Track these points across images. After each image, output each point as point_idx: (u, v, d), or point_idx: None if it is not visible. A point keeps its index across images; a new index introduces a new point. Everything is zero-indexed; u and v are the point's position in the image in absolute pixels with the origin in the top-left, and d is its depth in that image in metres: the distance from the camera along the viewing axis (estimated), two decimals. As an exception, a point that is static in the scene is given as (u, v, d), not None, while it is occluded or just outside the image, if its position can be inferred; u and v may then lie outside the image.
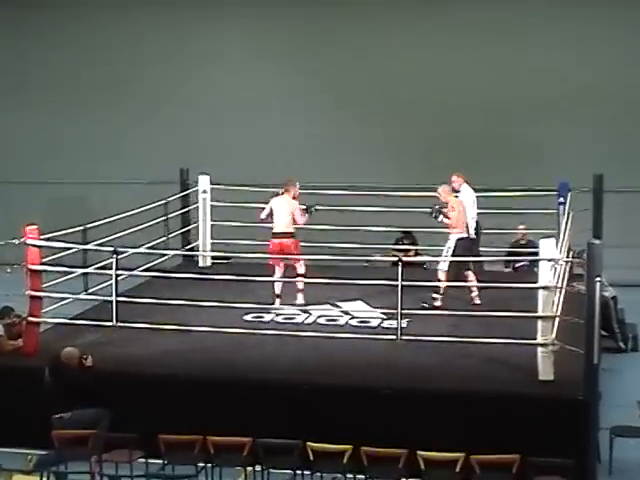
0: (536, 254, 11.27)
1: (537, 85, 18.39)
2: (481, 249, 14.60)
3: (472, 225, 13.97)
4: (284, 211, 13.60)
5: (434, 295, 13.21)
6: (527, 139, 18.41)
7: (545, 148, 18.30)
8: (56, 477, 10.03)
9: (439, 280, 13.15)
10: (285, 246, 13.54)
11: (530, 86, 18.39)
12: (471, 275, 13.56)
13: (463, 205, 13.73)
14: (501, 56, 18.59)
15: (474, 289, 13.47)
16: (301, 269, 13.60)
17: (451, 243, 13.49)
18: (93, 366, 10.95)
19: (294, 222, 13.64)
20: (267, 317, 13.14)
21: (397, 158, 18.62)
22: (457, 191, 14.04)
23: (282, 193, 13.75)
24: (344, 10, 19.05)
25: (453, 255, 13.31)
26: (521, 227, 16.31)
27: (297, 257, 13.56)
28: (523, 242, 16.30)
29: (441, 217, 13.54)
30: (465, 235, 13.56)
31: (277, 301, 13.41)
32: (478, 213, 14.25)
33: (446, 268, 13.24)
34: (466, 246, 13.51)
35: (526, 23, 18.51)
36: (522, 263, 15.66)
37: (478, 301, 13.47)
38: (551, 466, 9.52)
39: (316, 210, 14.04)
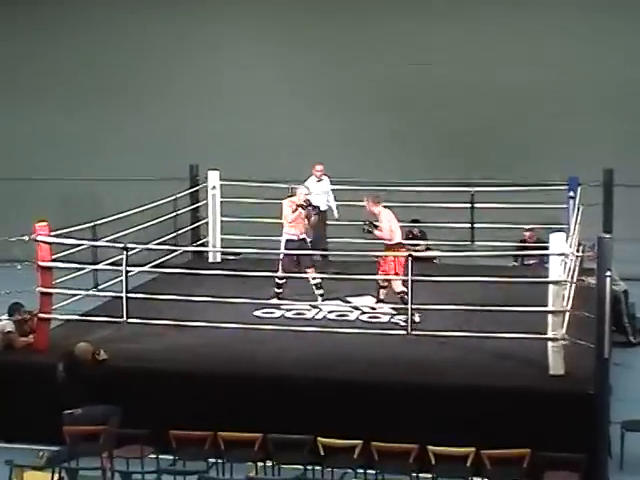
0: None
1: (547, 79, 18.30)
2: None
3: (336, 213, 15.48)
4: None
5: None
6: (536, 133, 18.33)
7: (555, 142, 18.22)
8: (67, 473, 10.05)
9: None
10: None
11: (540, 80, 18.29)
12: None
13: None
14: (508, 49, 18.46)
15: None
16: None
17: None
18: (107, 359, 11.03)
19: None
20: (277, 313, 13.14)
21: (403, 153, 18.55)
22: (320, 180, 15.24)
23: (379, 203, 12.89)
24: (347, 4, 19.05)
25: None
26: (527, 233, 16.04)
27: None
28: (531, 242, 16.03)
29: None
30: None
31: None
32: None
33: None
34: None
35: (535, 15, 18.41)
36: (532, 261, 15.56)
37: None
38: (562, 461, 9.52)
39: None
